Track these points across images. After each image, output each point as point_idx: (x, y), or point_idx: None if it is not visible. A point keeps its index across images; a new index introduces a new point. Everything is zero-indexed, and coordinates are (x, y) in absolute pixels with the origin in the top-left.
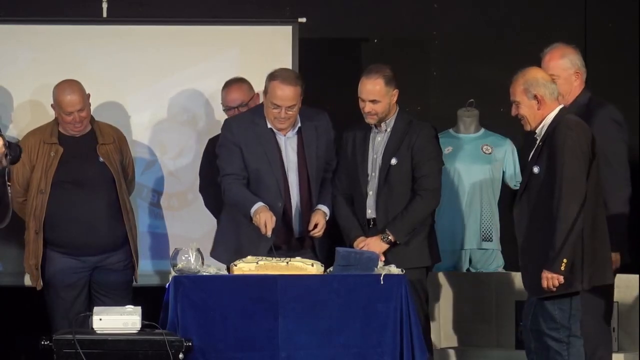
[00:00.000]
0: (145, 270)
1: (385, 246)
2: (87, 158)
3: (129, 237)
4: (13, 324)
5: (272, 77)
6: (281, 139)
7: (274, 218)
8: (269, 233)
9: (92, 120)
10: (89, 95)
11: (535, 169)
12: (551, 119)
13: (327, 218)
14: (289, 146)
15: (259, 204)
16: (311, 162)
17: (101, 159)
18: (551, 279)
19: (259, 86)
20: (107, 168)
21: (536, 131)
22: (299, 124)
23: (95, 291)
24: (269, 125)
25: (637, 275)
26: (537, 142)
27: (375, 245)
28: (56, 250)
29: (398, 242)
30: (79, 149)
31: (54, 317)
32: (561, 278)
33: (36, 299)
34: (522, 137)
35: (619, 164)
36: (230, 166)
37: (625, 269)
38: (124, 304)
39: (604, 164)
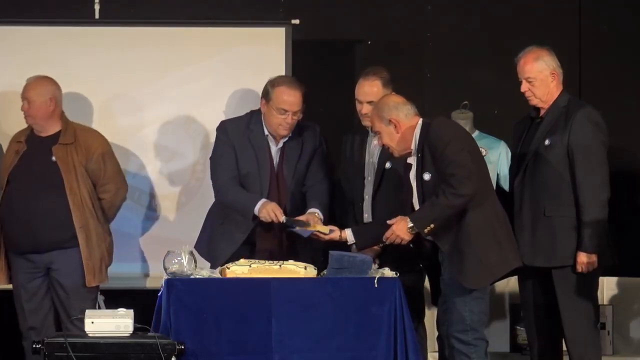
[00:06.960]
0: (138, 273)
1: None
2: (40, 157)
3: (80, 238)
4: None
5: (277, 83)
6: (273, 148)
7: (276, 205)
8: (282, 218)
9: (66, 121)
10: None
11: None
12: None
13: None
14: (275, 157)
15: (262, 201)
16: (289, 176)
17: (54, 159)
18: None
19: (251, 87)
20: (58, 167)
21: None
22: (286, 138)
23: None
24: (266, 132)
25: (632, 279)
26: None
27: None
28: (8, 248)
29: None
30: (39, 148)
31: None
32: None
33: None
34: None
35: (598, 165)
36: (224, 168)
37: (621, 272)
38: (84, 308)
39: (581, 166)
